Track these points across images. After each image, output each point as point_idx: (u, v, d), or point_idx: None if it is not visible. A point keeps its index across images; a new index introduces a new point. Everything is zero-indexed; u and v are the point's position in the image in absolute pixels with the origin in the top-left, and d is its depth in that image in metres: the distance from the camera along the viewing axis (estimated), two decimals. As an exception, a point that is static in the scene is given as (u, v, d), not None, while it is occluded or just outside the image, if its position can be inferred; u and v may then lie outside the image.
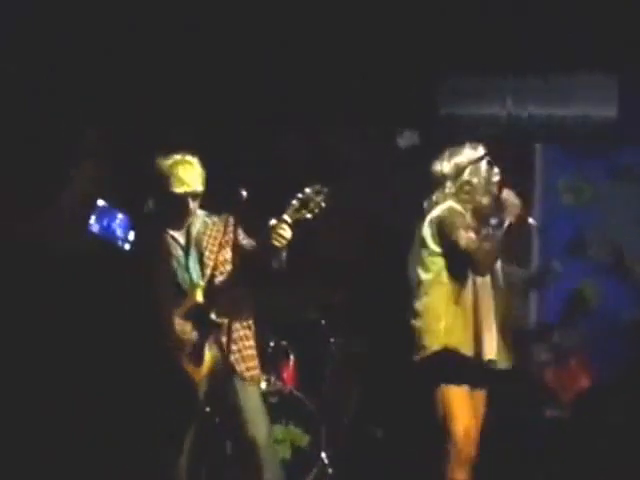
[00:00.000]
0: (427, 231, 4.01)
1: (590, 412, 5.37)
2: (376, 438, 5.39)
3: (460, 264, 3.93)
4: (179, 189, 3.89)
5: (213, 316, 3.87)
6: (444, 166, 4.13)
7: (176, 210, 3.95)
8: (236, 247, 3.86)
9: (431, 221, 4.02)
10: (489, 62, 5.70)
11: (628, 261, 5.51)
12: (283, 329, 5.19)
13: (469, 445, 3.84)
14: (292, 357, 5.16)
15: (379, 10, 5.38)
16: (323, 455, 4.92)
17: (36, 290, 4.85)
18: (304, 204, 3.73)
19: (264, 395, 4.16)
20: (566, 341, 5.71)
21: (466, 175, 4.04)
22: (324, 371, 5.26)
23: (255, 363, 3.99)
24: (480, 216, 4.03)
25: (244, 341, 3.97)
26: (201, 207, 4.04)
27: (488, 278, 3.98)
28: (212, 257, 3.97)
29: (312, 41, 5.59)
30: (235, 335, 3.88)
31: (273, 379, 4.93)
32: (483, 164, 4.07)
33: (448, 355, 3.85)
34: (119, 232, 5.45)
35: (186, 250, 4.01)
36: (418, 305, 3.97)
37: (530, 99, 5.91)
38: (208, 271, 3.94)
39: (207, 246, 4.01)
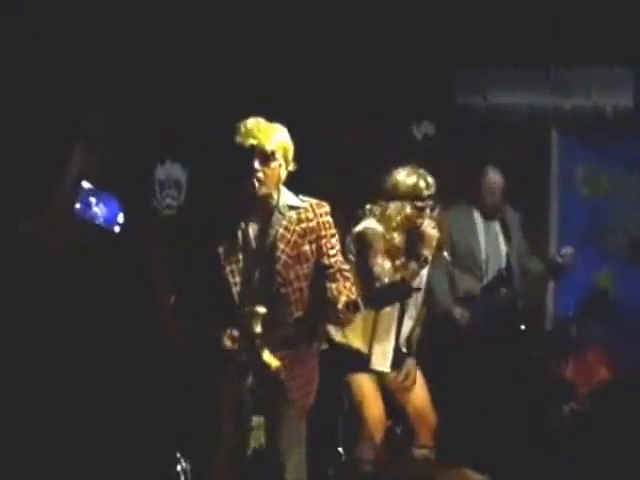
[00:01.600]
0: (349, 240, 4.10)
1: (609, 405, 5.32)
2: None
3: (365, 283, 3.91)
4: (242, 140, 3.17)
5: (267, 356, 3.18)
6: (388, 181, 4.16)
7: (240, 179, 3.17)
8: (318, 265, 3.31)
9: (354, 233, 4.12)
10: (506, 52, 5.65)
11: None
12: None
13: (379, 430, 4.08)
14: None
15: (399, 5, 5.37)
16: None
17: (36, 287, 4.77)
18: None
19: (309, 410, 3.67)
20: (584, 333, 5.66)
21: (390, 207, 4.09)
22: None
23: (311, 388, 3.44)
24: (392, 250, 4.06)
25: (305, 364, 3.40)
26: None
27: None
28: (285, 271, 3.26)
29: (328, 31, 5.54)
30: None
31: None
32: (409, 206, 4.07)
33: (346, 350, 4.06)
34: (109, 216, 5.08)
35: (254, 254, 3.27)
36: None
37: (547, 89, 5.85)
38: (275, 290, 3.25)
39: (285, 251, 3.27)
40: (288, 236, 3.29)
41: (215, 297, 3.27)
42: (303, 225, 3.31)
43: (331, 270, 3.34)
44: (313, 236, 3.33)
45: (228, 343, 3.21)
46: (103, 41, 5.10)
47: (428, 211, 4.10)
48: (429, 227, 4.05)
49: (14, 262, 4.66)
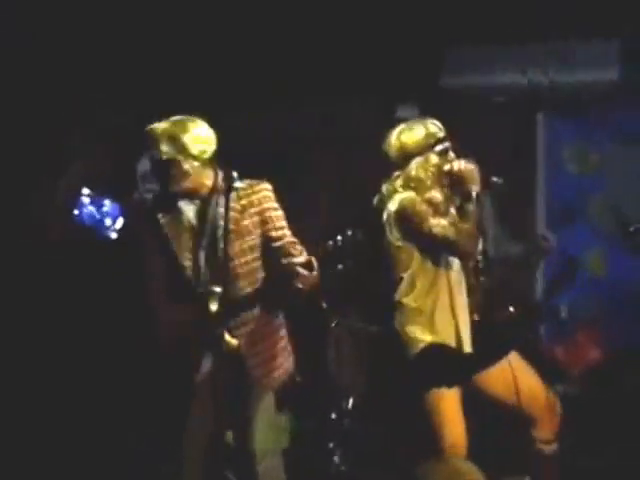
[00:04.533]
0: (389, 229, 3.68)
1: (600, 386, 5.28)
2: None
3: (432, 257, 3.66)
4: (151, 150, 3.39)
5: (227, 337, 3.31)
6: (391, 147, 3.74)
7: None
8: (266, 240, 3.41)
9: (389, 217, 3.68)
10: (489, 32, 5.54)
11: (633, 229, 5.36)
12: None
13: (459, 453, 3.64)
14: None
15: None
16: (330, 445, 4.79)
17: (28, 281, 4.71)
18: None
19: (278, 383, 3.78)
20: (573, 314, 5.61)
21: (412, 168, 3.67)
22: (327, 356, 5.09)
23: (277, 363, 3.54)
24: (439, 209, 3.67)
25: (266, 341, 3.51)
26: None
27: (459, 267, 3.71)
28: (229, 247, 3.35)
29: (312, 13, 5.45)
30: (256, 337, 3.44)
31: None
32: (433, 155, 3.67)
33: (435, 351, 3.65)
34: (108, 221, 5.19)
35: (199, 234, 3.43)
36: (397, 304, 3.73)
37: (531, 67, 5.73)
38: (227, 269, 3.34)
39: (228, 228, 3.37)
40: (229, 213, 3.37)
41: (172, 281, 3.42)
42: (242, 202, 3.43)
43: (280, 242, 3.45)
44: (252, 210, 3.43)
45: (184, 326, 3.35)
46: (90, 37, 5.06)
47: (451, 152, 3.70)
48: (462, 164, 3.63)
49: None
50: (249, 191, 3.45)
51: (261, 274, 3.47)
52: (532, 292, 5.90)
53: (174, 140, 3.35)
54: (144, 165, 5.65)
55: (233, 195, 3.39)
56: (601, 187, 5.98)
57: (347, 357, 5.15)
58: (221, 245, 3.35)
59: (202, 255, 3.41)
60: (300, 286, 3.25)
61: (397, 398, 4.99)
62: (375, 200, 3.80)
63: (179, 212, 3.44)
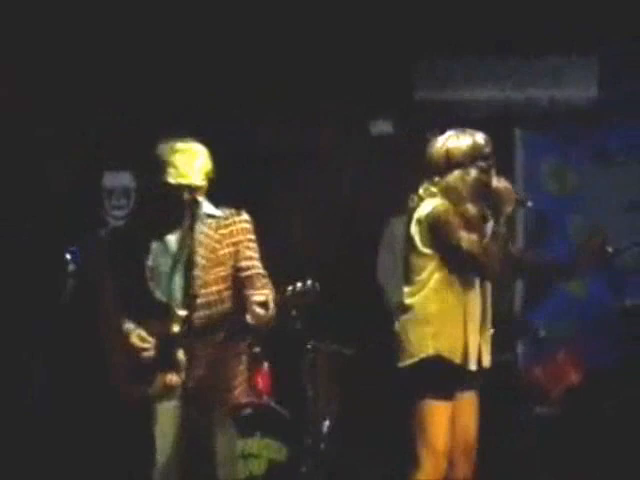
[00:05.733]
0: (415, 230, 3.59)
1: (580, 408, 5.22)
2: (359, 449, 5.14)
3: (455, 267, 3.58)
4: (173, 179, 3.36)
5: (181, 355, 3.39)
6: (436, 152, 3.66)
7: (169, 206, 3.40)
8: (235, 270, 3.45)
9: (419, 220, 3.59)
10: (466, 45, 5.51)
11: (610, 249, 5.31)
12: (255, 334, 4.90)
13: (438, 470, 3.57)
14: (266, 364, 4.80)
15: None
16: (303, 470, 4.67)
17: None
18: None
19: (236, 407, 3.79)
20: (553, 335, 5.55)
21: (452, 178, 3.59)
22: (302, 378, 4.98)
23: (236, 390, 3.56)
24: (472, 223, 3.58)
25: (227, 367, 3.52)
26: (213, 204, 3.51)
27: (478, 285, 3.63)
28: (203, 274, 3.42)
29: (286, 29, 5.42)
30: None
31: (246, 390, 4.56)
32: (474, 169, 3.58)
33: (436, 363, 3.55)
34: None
35: (175, 260, 3.46)
36: (404, 309, 3.63)
37: (509, 83, 5.70)
38: (197, 295, 3.39)
39: (204, 255, 3.43)
40: (206, 241, 3.45)
41: (141, 301, 3.45)
42: (221, 231, 3.48)
43: (247, 272, 3.49)
44: (230, 240, 3.48)
45: (136, 341, 3.41)
46: (54, 47, 4.98)
47: (493, 170, 3.62)
48: (501, 182, 3.60)
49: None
50: (229, 221, 3.50)
51: (229, 303, 3.50)
52: (509, 311, 5.83)
53: (205, 166, 3.42)
54: (111, 181, 5.61)
55: (213, 224, 3.47)
56: (580, 206, 5.92)
57: (322, 380, 5.05)
58: (196, 272, 3.40)
59: (177, 280, 3.46)
60: (253, 322, 3.29)
61: (375, 420, 4.94)
62: (410, 200, 3.71)
63: (162, 236, 3.48)
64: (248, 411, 4.51)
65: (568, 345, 5.48)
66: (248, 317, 3.28)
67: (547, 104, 5.73)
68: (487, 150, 3.65)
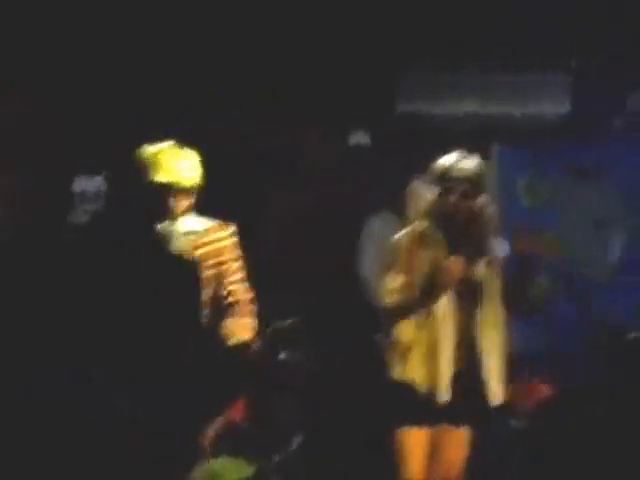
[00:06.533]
0: None
1: (550, 422, 5.23)
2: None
3: (423, 298, 3.51)
4: (160, 178, 3.10)
5: None
6: (435, 168, 3.62)
7: (153, 208, 3.11)
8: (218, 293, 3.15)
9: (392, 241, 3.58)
10: (443, 60, 5.53)
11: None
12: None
13: None
14: None
15: (334, 6, 5.24)
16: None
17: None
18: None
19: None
20: (523, 351, 5.54)
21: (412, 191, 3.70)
22: (271, 394, 4.92)
23: None
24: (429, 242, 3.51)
25: None
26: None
27: (451, 307, 3.53)
28: None
29: (267, 36, 5.40)
30: None
31: None
32: (437, 188, 3.54)
33: (404, 388, 3.51)
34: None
35: (147, 276, 3.19)
36: (385, 329, 3.60)
37: (485, 98, 5.71)
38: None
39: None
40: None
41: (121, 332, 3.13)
42: (200, 251, 3.16)
43: (230, 299, 3.19)
44: (212, 262, 3.18)
45: None
46: (26, 48, 4.89)
47: (459, 195, 3.51)
48: (483, 206, 3.53)
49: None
50: (207, 239, 3.21)
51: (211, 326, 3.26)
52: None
53: (196, 168, 3.17)
54: (82, 184, 5.52)
55: (188, 242, 3.17)
56: (552, 221, 5.95)
57: (292, 396, 5.00)
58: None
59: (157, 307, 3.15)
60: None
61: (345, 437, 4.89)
62: None
63: (135, 258, 3.19)
64: (216, 429, 4.34)
65: (538, 361, 5.49)
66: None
67: (522, 119, 5.75)
68: (456, 174, 3.55)
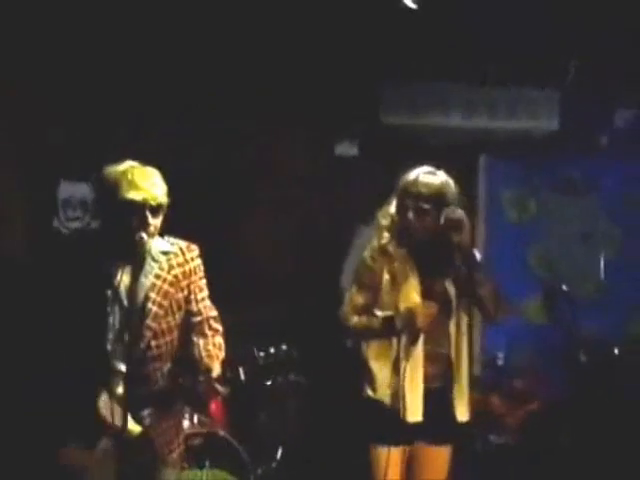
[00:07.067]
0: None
1: (532, 438, 5.20)
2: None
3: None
4: (133, 195, 3.01)
5: (131, 423, 3.05)
6: (399, 183, 3.54)
7: (124, 229, 3.00)
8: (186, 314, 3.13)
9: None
10: (431, 72, 5.50)
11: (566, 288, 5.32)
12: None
13: None
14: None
15: (319, 16, 5.16)
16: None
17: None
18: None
19: (187, 437, 3.60)
20: (511, 363, 5.53)
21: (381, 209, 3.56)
22: (256, 407, 4.87)
23: (178, 441, 3.29)
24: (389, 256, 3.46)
25: (171, 419, 3.25)
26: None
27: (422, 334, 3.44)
28: (155, 323, 3.08)
29: (250, 47, 5.33)
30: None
31: (197, 417, 4.34)
32: (399, 205, 3.47)
33: (374, 406, 3.48)
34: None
35: (123, 305, 3.06)
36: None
37: (472, 111, 5.69)
38: (142, 345, 3.06)
39: (154, 299, 3.09)
40: (159, 284, 3.12)
41: (85, 355, 3.08)
42: (174, 272, 3.16)
43: (198, 318, 3.22)
44: (185, 282, 3.19)
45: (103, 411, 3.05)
46: (8, 52, 4.83)
47: (416, 212, 3.44)
48: (452, 213, 3.37)
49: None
50: (181, 259, 3.19)
51: (176, 351, 3.24)
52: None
53: (161, 185, 3.10)
54: (66, 192, 5.46)
55: (163, 262, 3.14)
56: (539, 236, 5.95)
57: (276, 408, 4.96)
58: (148, 322, 3.09)
59: (127, 330, 3.07)
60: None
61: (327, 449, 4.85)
62: None
63: (107, 278, 3.11)
64: (198, 441, 4.30)
65: (526, 373, 5.47)
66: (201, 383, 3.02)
67: (510, 133, 5.75)
68: (414, 190, 3.48)
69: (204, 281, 3.27)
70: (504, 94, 5.67)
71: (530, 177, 5.97)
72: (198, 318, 3.23)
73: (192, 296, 3.21)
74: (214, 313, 3.30)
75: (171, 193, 3.16)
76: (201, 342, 3.17)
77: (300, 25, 5.28)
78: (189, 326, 3.22)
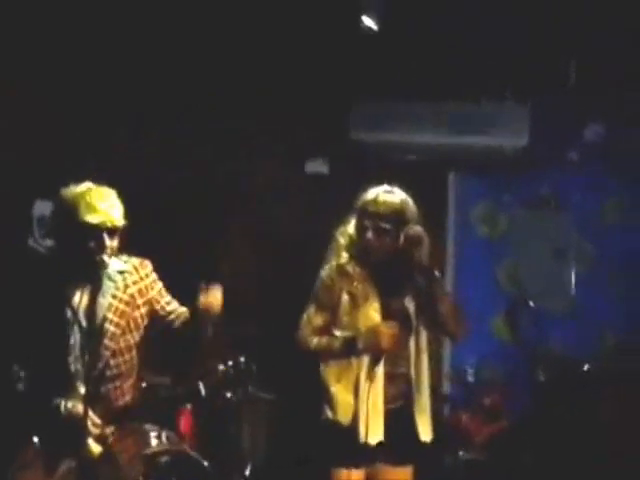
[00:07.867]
0: None
1: (504, 453, 5.19)
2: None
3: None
4: (91, 218, 3.03)
5: (91, 443, 3.07)
6: (357, 201, 3.52)
7: (83, 251, 3.03)
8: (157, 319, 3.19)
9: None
10: (400, 89, 5.48)
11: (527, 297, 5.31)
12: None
13: None
14: (189, 405, 4.59)
15: (287, 35, 5.18)
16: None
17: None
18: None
19: (153, 455, 3.62)
20: (480, 381, 5.52)
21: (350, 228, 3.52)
22: (225, 424, 4.83)
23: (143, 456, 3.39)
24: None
25: (134, 435, 3.29)
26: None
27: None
28: (113, 342, 3.11)
29: (220, 65, 5.35)
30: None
31: (165, 434, 4.30)
32: (356, 224, 3.46)
33: (333, 427, 3.45)
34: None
35: (81, 325, 3.09)
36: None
37: (442, 127, 5.67)
38: (101, 365, 3.08)
39: (112, 319, 3.11)
40: (116, 304, 3.14)
41: (47, 376, 3.09)
42: (130, 290, 3.19)
43: (173, 316, 3.28)
44: (142, 300, 3.22)
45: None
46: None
47: (374, 231, 3.41)
48: (411, 230, 3.37)
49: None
50: (136, 277, 3.21)
51: (137, 368, 3.26)
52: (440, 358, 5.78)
53: (118, 206, 3.12)
54: (41, 209, 5.41)
55: (119, 282, 3.16)
56: (508, 251, 5.95)
57: (246, 425, 4.92)
58: (106, 341, 3.11)
59: (86, 350, 3.08)
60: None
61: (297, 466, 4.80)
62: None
63: (66, 299, 3.12)
64: (164, 458, 4.24)
65: (495, 389, 5.46)
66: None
67: (479, 150, 5.74)
68: (378, 209, 3.45)
69: (163, 289, 3.29)
70: (473, 110, 5.67)
71: (500, 193, 5.97)
72: (173, 315, 3.27)
73: (157, 307, 3.25)
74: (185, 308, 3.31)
75: (135, 211, 3.15)
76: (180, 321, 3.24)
77: (268, 44, 5.28)
78: (172, 322, 3.27)
